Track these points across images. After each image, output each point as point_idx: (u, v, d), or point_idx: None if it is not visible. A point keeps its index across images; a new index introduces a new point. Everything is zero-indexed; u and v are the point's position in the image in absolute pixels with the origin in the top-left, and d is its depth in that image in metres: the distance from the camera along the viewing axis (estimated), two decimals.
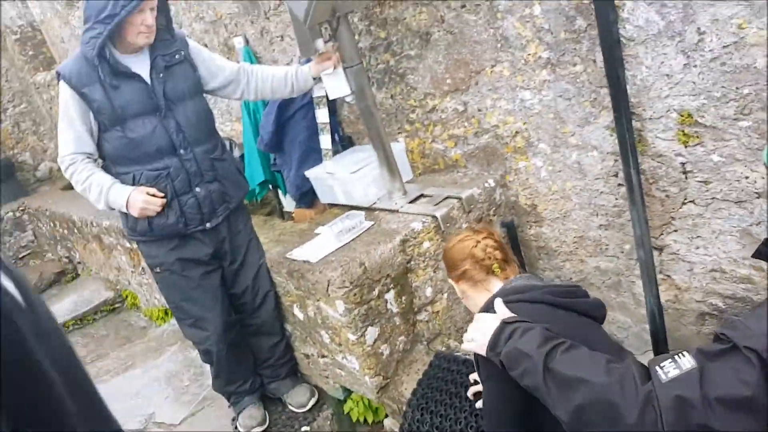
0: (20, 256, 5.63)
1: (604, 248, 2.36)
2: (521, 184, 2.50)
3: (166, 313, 4.00)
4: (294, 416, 2.59)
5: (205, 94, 2.36)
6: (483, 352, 1.37)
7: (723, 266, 2.04)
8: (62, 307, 4.65)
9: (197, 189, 2.24)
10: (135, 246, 2.49)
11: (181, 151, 2.20)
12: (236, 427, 2.61)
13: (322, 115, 2.62)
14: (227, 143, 3.41)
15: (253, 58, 3.21)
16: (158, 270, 2.37)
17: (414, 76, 2.63)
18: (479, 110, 2.47)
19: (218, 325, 2.41)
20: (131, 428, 2.83)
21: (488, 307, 1.48)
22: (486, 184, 2.52)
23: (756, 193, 1.86)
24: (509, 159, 2.49)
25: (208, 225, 2.31)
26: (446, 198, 2.47)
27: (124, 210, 2.18)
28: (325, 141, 2.65)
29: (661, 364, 1.09)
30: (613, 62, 1.94)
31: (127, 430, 2.76)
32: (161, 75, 2.16)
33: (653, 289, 2.17)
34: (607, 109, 2.07)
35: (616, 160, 2.13)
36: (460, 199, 2.43)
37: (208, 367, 2.69)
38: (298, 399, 2.62)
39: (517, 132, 2.39)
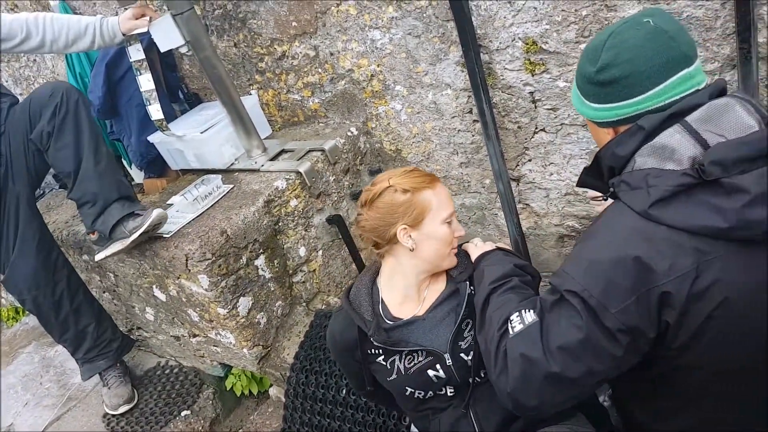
0: None
1: (467, 185, 2.38)
2: (383, 130, 2.43)
3: (17, 311, 3.56)
4: (172, 401, 2.42)
5: None
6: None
7: (576, 189, 2.14)
8: None
9: None
10: None
11: None
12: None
13: (145, 82, 2.23)
14: None
15: (71, 12, 2.78)
16: None
17: (256, 20, 2.41)
18: (331, 54, 2.33)
19: None
20: None
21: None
22: (349, 133, 2.42)
23: None
24: (369, 104, 2.39)
25: None
26: (309, 151, 2.34)
27: None
28: (155, 111, 2.26)
29: (510, 318, 1.12)
30: None
31: None
32: None
33: (514, 219, 2.23)
34: (455, 44, 2.02)
35: (469, 97, 2.12)
36: (323, 151, 2.31)
37: (71, 364, 2.45)
38: None
39: (372, 75, 2.29)
